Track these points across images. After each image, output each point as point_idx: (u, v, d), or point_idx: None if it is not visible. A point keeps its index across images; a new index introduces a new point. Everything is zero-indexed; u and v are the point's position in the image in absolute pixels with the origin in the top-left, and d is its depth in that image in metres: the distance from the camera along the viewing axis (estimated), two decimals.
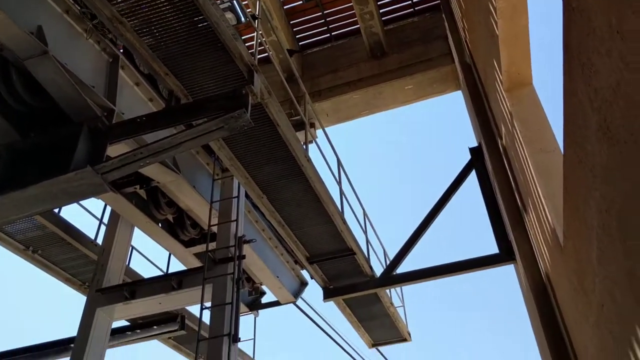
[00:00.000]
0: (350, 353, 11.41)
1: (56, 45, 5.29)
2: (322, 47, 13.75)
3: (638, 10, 2.04)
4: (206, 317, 7.00)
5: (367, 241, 9.68)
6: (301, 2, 13.32)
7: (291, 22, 13.50)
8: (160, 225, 8.91)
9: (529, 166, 6.09)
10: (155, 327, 9.24)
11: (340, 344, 11.34)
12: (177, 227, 8.98)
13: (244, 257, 6.97)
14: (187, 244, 9.18)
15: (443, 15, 11.63)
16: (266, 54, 12.22)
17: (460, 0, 9.28)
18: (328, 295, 9.31)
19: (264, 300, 10.94)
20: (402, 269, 8.95)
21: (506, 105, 6.76)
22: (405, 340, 11.05)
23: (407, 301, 11.54)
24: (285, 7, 13.28)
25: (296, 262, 10.50)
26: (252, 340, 11.38)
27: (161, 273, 9.88)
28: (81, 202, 9.36)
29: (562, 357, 5.64)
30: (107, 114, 5.82)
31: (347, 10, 13.34)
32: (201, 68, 5.68)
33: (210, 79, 5.79)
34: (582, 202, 4.01)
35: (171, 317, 9.36)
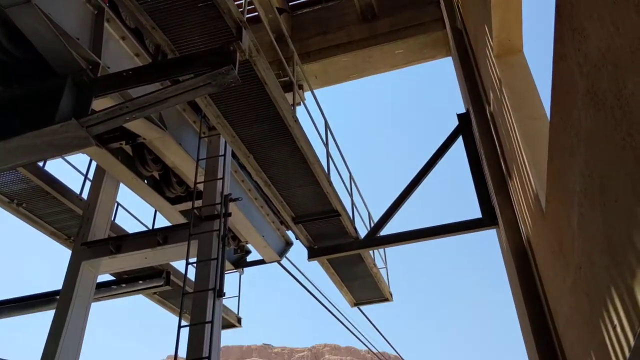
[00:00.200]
0: (333, 312, 11.63)
1: None
2: (313, 8, 13.54)
3: None
4: (191, 274, 7.09)
5: (353, 203, 9.76)
6: None
7: None
8: (146, 182, 8.89)
9: (515, 133, 6.14)
10: (140, 282, 9.31)
11: (323, 303, 11.54)
12: (163, 184, 8.97)
13: (229, 214, 7.00)
14: (173, 201, 9.19)
15: None
16: (255, 13, 12.03)
17: None
18: (312, 255, 9.41)
19: (249, 259, 11.05)
20: (386, 231, 9.05)
21: (495, 71, 6.76)
22: (387, 300, 11.25)
23: (389, 263, 11.71)
24: None
25: (282, 222, 10.56)
26: (237, 298, 11.56)
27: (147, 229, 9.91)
28: (66, 157, 9.30)
29: (538, 318, 5.80)
30: (92, 67, 5.73)
31: None
32: (189, 23, 5.60)
33: (198, 35, 5.72)
34: (565, 167, 4.07)
35: (156, 273, 9.43)
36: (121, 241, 7.79)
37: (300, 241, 9.78)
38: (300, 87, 10.28)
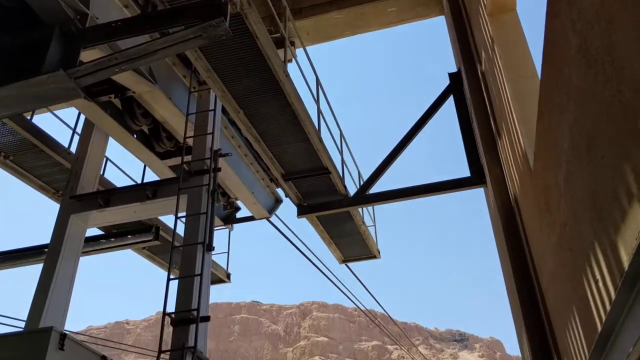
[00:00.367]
0: (321, 269, 11.78)
1: None
2: None
3: None
4: (180, 229, 7.10)
5: (343, 161, 9.77)
6: None
7: None
8: (135, 136, 8.82)
9: (506, 92, 6.13)
10: (129, 236, 9.35)
11: (312, 260, 11.67)
12: (153, 138, 8.91)
13: (219, 169, 7.00)
14: (163, 156, 9.15)
15: None
16: None
17: None
18: (302, 212, 9.46)
19: (239, 215, 11.09)
20: (375, 189, 9.11)
21: (488, 30, 6.71)
22: (374, 257, 11.39)
23: (378, 221, 11.82)
24: None
25: (271, 179, 10.58)
26: (226, 254, 11.65)
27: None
28: (55, 111, 9.19)
29: (523, 276, 5.91)
30: (80, 18, 5.60)
31: None
32: None
33: None
34: (554, 125, 4.10)
35: (146, 228, 9.46)
36: (110, 195, 7.78)
37: (290, 198, 9.82)
38: (292, 43, 10.15)
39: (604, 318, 3.51)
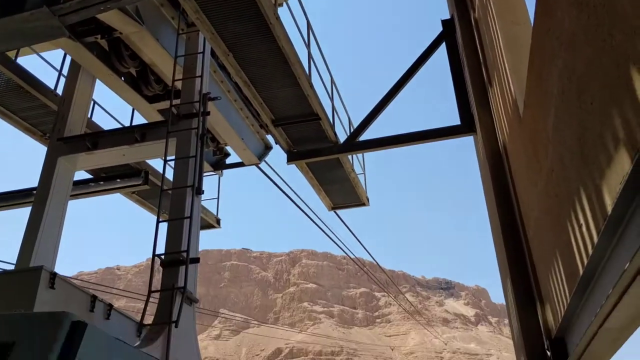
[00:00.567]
0: (311, 217, 11.87)
1: None
2: None
3: None
4: (170, 175, 7.09)
5: (333, 107, 9.71)
6: None
7: None
8: (123, 79, 8.68)
9: (498, 39, 6.06)
10: (118, 180, 9.31)
11: (302, 207, 11.75)
12: (141, 81, 8.77)
13: (208, 113, 6.92)
14: (151, 99, 9.03)
15: None
16: None
17: None
18: (292, 158, 9.45)
19: (228, 161, 11.07)
20: (365, 136, 9.09)
21: None
22: (363, 204, 11.46)
23: (367, 169, 11.87)
24: None
25: (261, 126, 10.51)
26: (216, 200, 11.69)
27: None
28: (40, 52, 8.98)
29: (509, 223, 5.99)
30: None
31: None
32: None
33: None
34: (545, 71, 4.07)
35: (135, 172, 9.42)
36: (98, 137, 7.70)
37: (280, 145, 9.78)
38: None
39: (585, 262, 3.58)
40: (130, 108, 9.77)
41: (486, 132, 6.84)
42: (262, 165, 10.73)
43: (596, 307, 3.61)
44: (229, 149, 10.61)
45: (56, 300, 4.98)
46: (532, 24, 4.27)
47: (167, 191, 6.61)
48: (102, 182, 9.30)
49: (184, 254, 5.72)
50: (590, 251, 3.46)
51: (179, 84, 7.35)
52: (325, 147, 9.32)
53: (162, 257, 5.77)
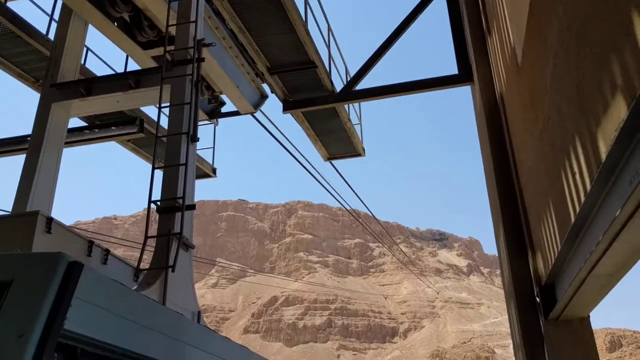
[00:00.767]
0: (307, 167, 11.87)
1: None
2: None
3: None
4: (164, 123, 7.01)
5: (330, 56, 9.58)
6: None
7: None
8: (116, 24, 8.50)
9: None
10: (113, 128, 9.26)
11: (297, 158, 11.74)
12: (134, 27, 8.59)
13: (202, 60, 6.82)
14: (145, 46, 8.87)
15: None
16: None
17: None
18: (288, 107, 9.40)
19: (224, 111, 10.99)
20: (362, 85, 9.02)
21: None
22: (359, 155, 11.46)
23: (364, 119, 11.78)
24: None
25: (257, 74, 10.38)
26: (212, 149, 11.67)
27: None
28: None
29: (504, 173, 6.02)
30: None
31: None
32: None
33: None
34: (545, 19, 4.02)
35: (130, 120, 9.35)
36: (92, 83, 7.59)
37: (276, 94, 9.71)
38: None
39: (577, 210, 3.62)
40: (124, 55, 9.62)
41: (483, 81, 6.79)
42: (258, 115, 10.65)
43: (586, 253, 3.68)
44: (224, 97, 10.50)
45: (53, 245, 5.03)
46: None
47: (162, 139, 6.57)
48: (96, 130, 9.23)
49: (180, 201, 5.74)
50: (582, 199, 3.49)
51: (173, 30, 7.19)
52: (321, 96, 9.25)
53: (158, 203, 5.79)
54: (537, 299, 5.23)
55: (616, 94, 2.82)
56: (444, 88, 8.21)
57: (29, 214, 5.56)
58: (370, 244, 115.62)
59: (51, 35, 8.88)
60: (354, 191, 14.13)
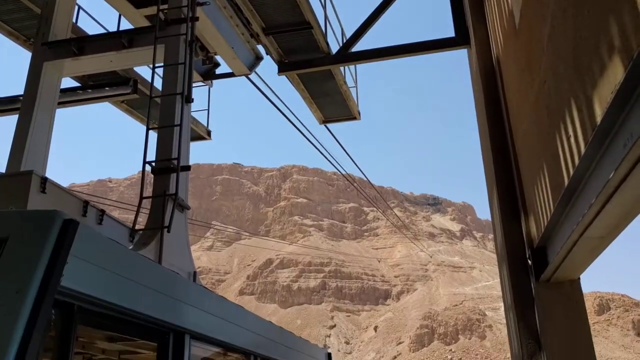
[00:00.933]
0: (301, 130, 11.82)
1: None
2: None
3: None
4: (158, 85, 6.94)
5: (326, 16, 9.44)
6: None
7: None
8: None
9: None
10: (107, 88, 9.16)
11: (292, 121, 11.68)
12: None
13: (197, 19, 6.71)
14: (138, 4, 8.70)
15: None
16: None
17: None
18: (283, 69, 9.30)
19: (218, 72, 10.86)
20: (358, 47, 8.92)
21: None
22: (355, 118, 11.40)
23: (359, 82, 11.71)
24: None
25: (252, 35, 10.24)
26: (207, 111, 11.59)
27: None
28: None
29: (499, 137, 6.02)
30: None
31: None
32: None
33: None
34: None
35: (123, 80, 9.25)
36: (84, 42, 7.47)
37: (271, 56, 9.60)
38: None
39: (571, 172, 3.64)
40: (117, 14, 9.45)
41: (480, 44, 6.73)
42: (253, 77, 10.56)
43: (578, 216, 3.71)
44: (218, 59, 10.38)
45: (48, 205, 5.02)
46: None
47: (156, 100, 6.51)
48: (90, 90, 9.13)
49: (175, 162, 5.73)
50: (576, 162, 3.51)
51: None
52: (317, 57, 9.16)
53: (153, 164, 5.78)
54: (529, 262, 5.30)
55: (613, 55, 2.80)
56: (440, 51, 8.13)
57: (22, 174, 5.54)
58: (365, 208, 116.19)
59: None
60: (349, 155, 14.15)
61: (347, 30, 10.39)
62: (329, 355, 8.29)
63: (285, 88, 11.31)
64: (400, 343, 72.86)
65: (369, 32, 8.89)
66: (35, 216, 2.54)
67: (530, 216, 5.32)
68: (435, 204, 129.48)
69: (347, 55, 8.86)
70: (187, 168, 6.04)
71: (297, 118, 11.47)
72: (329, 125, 11.95)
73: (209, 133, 11.55)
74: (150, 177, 5.82)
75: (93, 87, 9.21)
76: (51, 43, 7.43)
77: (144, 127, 6.16)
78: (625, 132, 2.85)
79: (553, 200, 4.27)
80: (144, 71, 11.88)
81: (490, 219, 7.29)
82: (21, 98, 7.40)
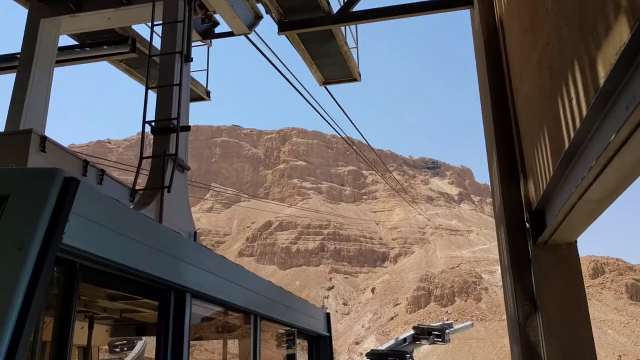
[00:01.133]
0: (300, 91, 11.72)
1: None
2: None
3: None
4: (157, 44, 6.85)
5: None
6: None
7: None
8: None
9: None
10: (105, 47, 9.04)
11: (292, 82, 11.57)
12: None
13: None
14: None
15: None
16: None
17: None
18: (283, 28, 9.16)
19: (217, 32, 10.69)
20: (359, 7, 8.78)
21: None
22: (355, 80, 11.28)
23: (360, 43, 11.53)
24: None
25: None
26: (206, 72, 11.46)
27: None
28: None
29: (500, 99, 5.98)
30: None
31: None
32: None
33: None
34: None
35: (122, 39, 9.11)
36: None
37: (271, 15, 9.44)
38: None
39: (572, 135, 3.63)
40: None
41: (483, 4, 6.63)
42: (253, 37, 10.41)
43: (578, 179, 3.72)
44: (218, 18, 10.22)
45: (48, 164, 5.01)
46: None
47: (155, 59, 6.43)
48: (88, 49, 9.01)
49: (175, 122, 5.69)
50: (578, 124, 3.49)
51: None
52: (317, 17, 9.01)
53: (152, 124, 5.74)
54: (527, 224, 5.34)
55: (619, 15, 2.76)
56: (443, 11, 8.00)
57: (22, 132, 5.52)
58: (364, 172, 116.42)
59: None
60: (348, 118, 14.06)
61: None
62: (328, 315, 8.41)
63: (285, 49, 11.17)
64: (397, 305, 73.98)
65: None
66: (36, 174, 2.53)
67: (529, 179, 5.33)
68: (434, 167, 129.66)
69: (348, 14, 8.72)
70: (187, 128, 6.01)
71: (297, 79, 11.36)
72: (329, 87, 11.85)
73: (208, 94, 11.45)
74: (149, 138, 5.79)
75: (91, 46, 9.08)
76: None
77: (143, 88, 6.11)
78: (628, 94, 2.83)
79: (553, 163, 4.27)
80: (143, 30, 11.68)
81: (488, 182, 7.29)
82: (19, 56, 7.31)
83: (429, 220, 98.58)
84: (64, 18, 7.30)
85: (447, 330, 23.92)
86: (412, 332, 23.86)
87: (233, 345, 5.99)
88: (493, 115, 5.94)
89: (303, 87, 11.66)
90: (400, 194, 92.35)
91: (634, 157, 3.14)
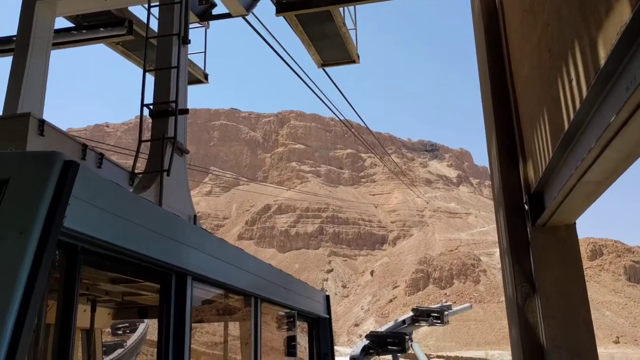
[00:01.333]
0: (298, 73, 11.67)
1: None
2: None
3: None
4: (155, 26, 6.79)
5: None
6: None
7: None
8: None
9: None
10: (101, 29, 8.97)
11: (290, 64, 11.52)
12: None
13: None
14: None
15: None
16: None
17: None
18: (281, 9, 9.10)
19: (215, 13, 10.61)
20: None
21: None
22: (354, 62, 11.23)
23: (359, 25, 11.45)
24: None
25: None
26: (204, 54, 11.39)
27: None
28: None
29: (499, 79, 5.96)
30: None
31: None
32: None
33: None
34: None
35: (119, 21, 9.04)
36: None
37: None
38: None
39: (572, 116, 3.62)
40: None
41: None
42: (251, 19, 10.33)
43: (577, 160, 3.72)
44: None
45: (46, 148, 5.00)
46: None
47: (152, 41, 6.38)
48: (84, 31, 8.94)
49: (173, 105, 5.66)
50: (577, 106, 3.48)
51: None
52: None
53: (151, 107, 5.71)
54: (526, 207, 5.34)
55: None
56: None
57: (20, 116, 5.49)
58: (362, 154, 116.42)
59: None
60: (347, 100, 14.01)
61: None
62: (328, 297, 8.46)
63: (283, 31, 11.10)
64: (396, 287, 74.44)
65: None
66: (35, 157, 2.52)
67: (528, 161, 5.32)
68: (433, 150, 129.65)
69: None
70: (185, 111, 5.98)
71: (295, 62, 11.32)
72: (327, 69, 11.80)
73: (206, 76, 11.40)
74: (148, 122, 5.77)
75: (87, 28, 9.02)
76: None
77: (141, 71, 6.06)
78: (628, 75, 2.82)
79: (552, 145, 4.26)
80: (139, 11, 11.58)
81: (487, 165, 7.28)
82: (14, 39, 7.26)
83: (427, 203, 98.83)
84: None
85: (446, 312, 24.03)
86: (411, 314, 23.97)
87: (234, 328, 6.03)
88: (492, 97, 5.92)
89: (301, 69, 11.61)
90: (399, 177, 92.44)
91: (633, 139, 3.14)
